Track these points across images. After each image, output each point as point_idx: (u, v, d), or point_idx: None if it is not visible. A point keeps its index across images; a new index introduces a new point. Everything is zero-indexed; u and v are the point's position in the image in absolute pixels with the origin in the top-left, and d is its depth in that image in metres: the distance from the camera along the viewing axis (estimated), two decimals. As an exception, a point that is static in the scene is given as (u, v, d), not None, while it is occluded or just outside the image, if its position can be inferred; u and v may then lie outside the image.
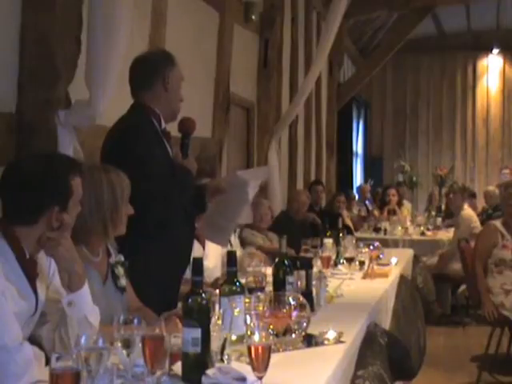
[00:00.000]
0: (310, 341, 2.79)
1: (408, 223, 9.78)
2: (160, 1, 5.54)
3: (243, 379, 2.19)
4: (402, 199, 10.96)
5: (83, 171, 2.56)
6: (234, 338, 2.50)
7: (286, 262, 3.30)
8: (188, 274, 3.77)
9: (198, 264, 2.34)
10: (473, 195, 11.29)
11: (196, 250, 4.87)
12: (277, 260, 3.33)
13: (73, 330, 2.37)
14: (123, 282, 2.98)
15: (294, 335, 2.74)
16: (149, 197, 3.29)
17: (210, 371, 2.21)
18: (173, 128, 3.74)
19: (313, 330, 2.85)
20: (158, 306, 3.03)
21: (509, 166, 13.09)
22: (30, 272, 2.41)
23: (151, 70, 3.58)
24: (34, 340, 2.45)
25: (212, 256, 4.78)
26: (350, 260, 4.88)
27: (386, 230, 9.34)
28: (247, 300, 2.71)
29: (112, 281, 2.94)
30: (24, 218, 2.38)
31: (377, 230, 9.48)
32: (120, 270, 2.98)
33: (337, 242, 5.13)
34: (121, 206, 2.91)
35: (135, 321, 2.11)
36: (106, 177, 2.90)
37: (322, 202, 9.23)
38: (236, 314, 2.56)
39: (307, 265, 3.48)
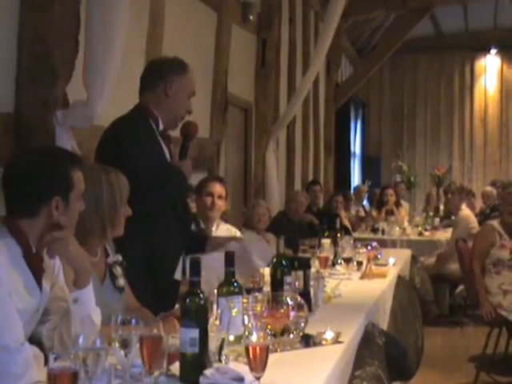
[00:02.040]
0: (307, 341, 2.80)
1: (406, 223, 9.79)
2: (157, 1, 5.54)
3: (241, 379, 2.19)
4: (400, 199, 10.95)
5: (84, 168, 2.56)
6: (231, 338, 2.50)
7: (283, 262, 3.29)
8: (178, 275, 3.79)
9: (196, 265, 2.34)
10: (472, 194, 11.29)
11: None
12: (275, 260, 3.33)
13: (75, 328, 2.36)
14: (121, 281, 2.98)
15: (291, 335, 2.74)
16: (135, 194, 3.29)
17: (207, 371, 2.22)
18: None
19: (310, 330, 2.86)
20: (153, 306, 3.03)
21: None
22: (37, 267, 2.40)
23: (157, 73, 3.60)
24: (34, 338, 2.45)
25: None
26: (347, 260, 4.89)
27: (383, 231, 9.34)
28: (245, 300, 2.71)
29: (110, 281, 2.94)
30: (25, 209, 2.36)
31: (374, 230, 9.48)
32: (118, 270, 2.98)
33: (334, 243, 5.13)
34: (119, 207, 2.90)
35: (133, 321, 2.11)
36: (105, 177, 2.90)
37: (319, 202, 9.22)
38: (234, 314, 2.56)
39: (305, 265, 3.48)
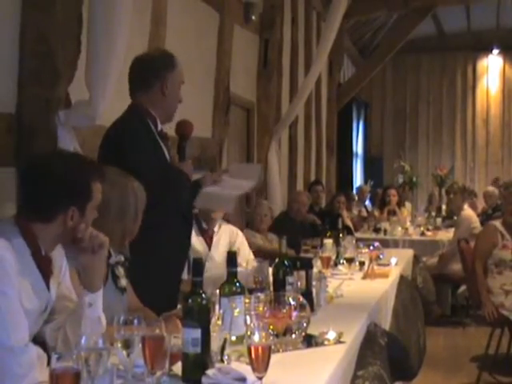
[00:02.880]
0: (309, 341, 2.80)
1: (408, 223, 9.77)
2: (160, 1, 5.54)
3: (243, 379, 2.19)
4: (403, 200, 10.95)
5: (105, 178, 2.56)
6: (234, 338, 2.50)
7: (286, 262, 3.29)
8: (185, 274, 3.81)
9: (198, 265, 2.34)
10: (474, 194, 11.29)
11: (202, 250, 4.90)
12: (277, 260, 3.33)
13: (85, 330, 2.37)
14: (123, 282, 2.98)
15: (294, 335, 2.74)
16: None
17: (210, 371, 2.22)
18: (171, 128, 3.74)
19: (313, 330, 2.85)
20: (156, 307, 3.03)
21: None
22: (45, 269, 2.41)
23: (150, 73, 3.57)
24: (38, 337, 2.45)
25: (220, 253, 4.83)
26: (349, 260, 4.88)
27: (385, 231, 9.33)
28: (247, 300, 2.72)
29: (112, 281, 2.94)
30: (42, 215, 2.37)
31: (377, 230, 9.47)
32: (120, 271, 2.98)
33: (337, 243, 5.12)
34: (139, 218, 2.92)
35: (135, 321, 2.11)
36: (131, 185, 2.90)
37: (321, 202, 9.22)
38: (236, 314, 2.56)
39: (307, 265, 3.48)
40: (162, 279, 3.44)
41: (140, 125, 3.50)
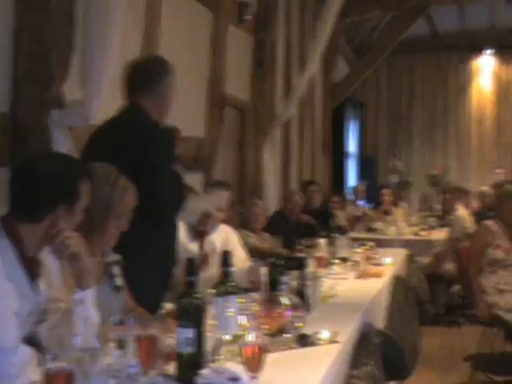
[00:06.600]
0: (304, 341, 2.80)
1: (402, 223, 9.78)
2: (154, 1, 5.54)
3: (237, 379, 2.19)
4: (398, 200, 10.95)
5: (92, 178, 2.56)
6: (228, 338, 2.50)
7: (280, 262, 3.30)
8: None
9: (193, 264, 2.35)
10: (468, 194, 11.28)
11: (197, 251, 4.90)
12: (271, 260, 3.33)
13: (77, 329, 2.36)
14: (119, 281, 2.97)
15: (288, 335, 2.74)
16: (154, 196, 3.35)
17: (204, 371, 2.22)
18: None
19: (307, 329, 2.86)
20: (149, 307, 3.03)
21: (502, 167, 13.18)
22: (32, 271, 2.40)
23: (152, 76, 3.62)
24: (32, 338, 2.45)
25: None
26: (344, 260, 4.89)
27: (380, 230, 9.34)
28: (241, 300, 2.72)
29: (107, 280, 2.94)
30: (30, 216, 2.36)
31: (371, 229, 9.48)
32: (116, 270, 2.97)
33: (331, 242, 5.13)
34: (112, 212, 2.85)
35: (129, 321, 2.11)
36: (114, 179, 2.87)
37: (316, 202, 9.22)
38: (230, 314, 2.56)
39: (301, 265, 3.48)
40: (155, 278, 3.44)
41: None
